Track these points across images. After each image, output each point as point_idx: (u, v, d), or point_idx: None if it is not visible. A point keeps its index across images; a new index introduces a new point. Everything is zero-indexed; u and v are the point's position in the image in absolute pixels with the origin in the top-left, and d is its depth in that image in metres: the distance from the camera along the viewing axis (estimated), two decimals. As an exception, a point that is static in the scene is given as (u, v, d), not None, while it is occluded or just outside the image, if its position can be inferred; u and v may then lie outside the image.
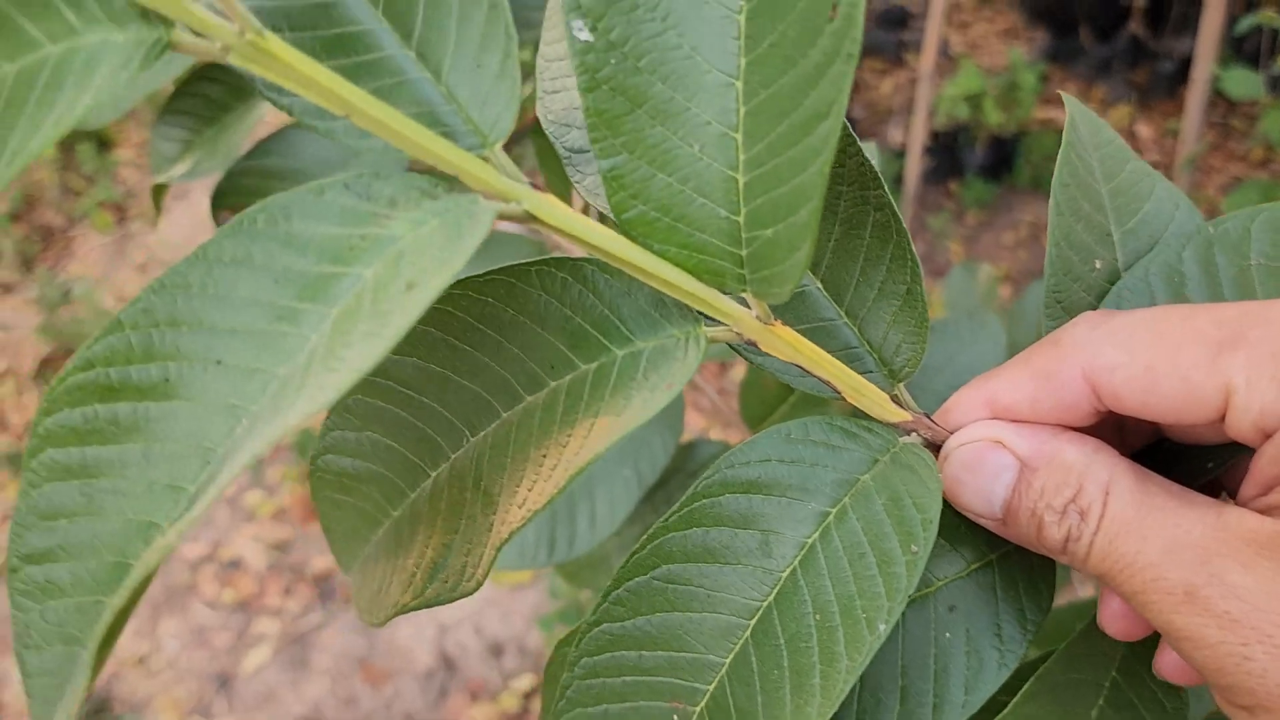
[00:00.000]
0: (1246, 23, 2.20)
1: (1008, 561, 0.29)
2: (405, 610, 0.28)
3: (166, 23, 0.19)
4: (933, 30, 1.96)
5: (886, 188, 0.26)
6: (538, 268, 0.24)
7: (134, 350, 0.21)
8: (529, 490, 0.25)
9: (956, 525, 0.29)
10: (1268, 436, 0.24)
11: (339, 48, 0.22)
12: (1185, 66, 2.82)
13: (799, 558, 0.26)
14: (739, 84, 0.22)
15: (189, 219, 3.14)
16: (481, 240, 0.19)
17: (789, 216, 0.22)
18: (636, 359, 0.24)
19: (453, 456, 0.27)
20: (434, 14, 0.21)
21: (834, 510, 0.26)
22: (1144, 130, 2.91)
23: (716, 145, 0.22)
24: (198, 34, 0.19)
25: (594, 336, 0.25)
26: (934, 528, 0.25)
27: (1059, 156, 0.30)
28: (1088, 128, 0.33)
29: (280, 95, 0.21)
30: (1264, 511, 0.24)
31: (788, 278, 0.22)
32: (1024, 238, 2.60)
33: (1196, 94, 2.16)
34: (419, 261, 0.19)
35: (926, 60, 2.00)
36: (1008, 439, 0.27)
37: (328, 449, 0.28)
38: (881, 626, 0.25)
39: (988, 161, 2.58)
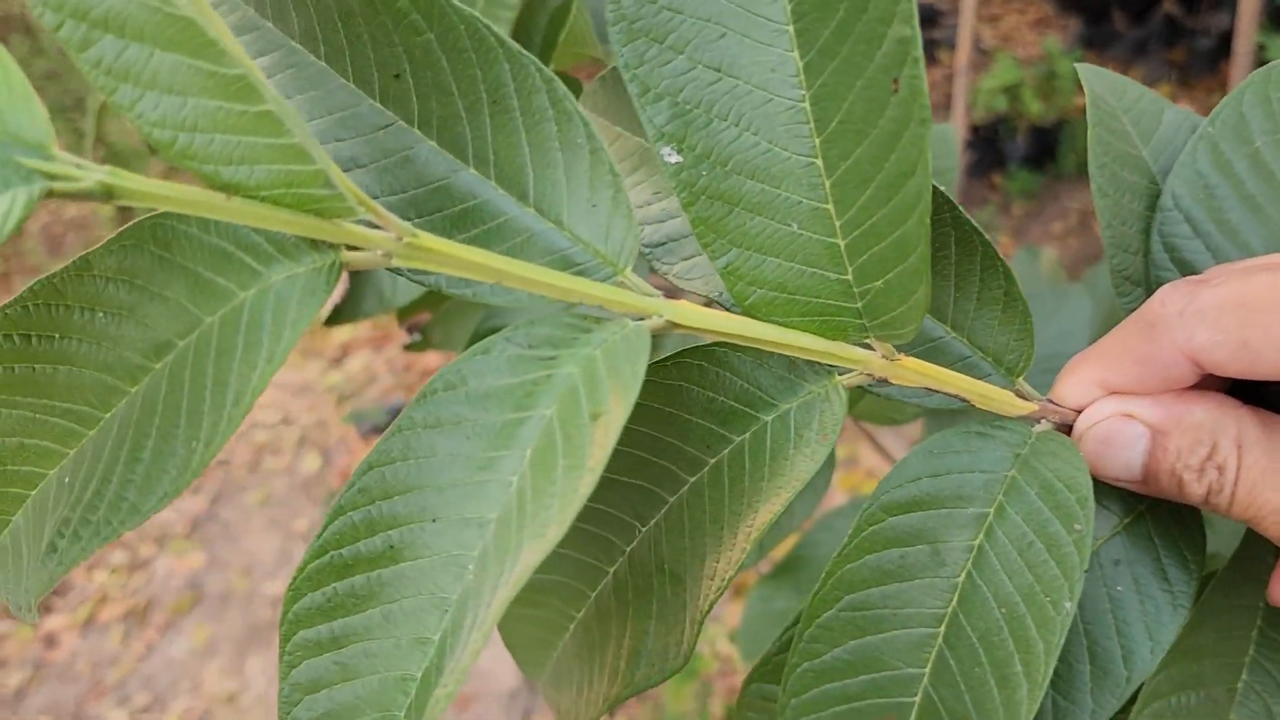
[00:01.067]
0: None
1: (1157, 510, 0.31)
2: (619, 701, 0.30)
3: (334, 246, 0.22)
4: (966, 25, 1.99)
5: (960, 206, 0.28)
6: (674, 361, 0.27)
7: (358, 528, 0.24)
8: (716, 562, 0.27)
9: (1099, 486, 0.31)
10: None
11: (465, 221, 0.24)
12: (1224, 41, 2.84)
13: (970, 560, 0.28)
14: (819, 161, 0.24)
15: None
16: (647, 359, 0.22)
17: (897, 266, 0.24)
18: (785, 420, 0.27)
19: (628, 549, 0.30)
20: (543, 173, 0.24)
21: (992, 510, 0.28)
22: (1187, 107, 2.97)
23: (812, 219, 0.25)
24: (361, 249, 0.22)
25: (740, 409, 0.27)
26: (1091, 505, 0.27)
27: (1089, 136, 0.32)
28: (1112, 95, 0.34)
29: (424, 275, 0.24)
30: None
31: (909, 319, 0.25)
32: (1073, 225, 2.60)
33: (1240, 67, 2.16)
34: (596, 393, 0.22)
35: (961, 55, 2.02)
36: (1136, 410, 0.29)
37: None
38: (1067, 605, 0.27)
39: (1030, 152, 2.61)
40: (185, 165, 0.21)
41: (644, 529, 0.29)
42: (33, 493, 0.24)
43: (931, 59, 3.13)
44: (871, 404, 0.44)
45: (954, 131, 0.51)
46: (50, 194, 0.19)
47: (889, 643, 0.28)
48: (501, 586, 0.21)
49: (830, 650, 0.29)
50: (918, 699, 0.28)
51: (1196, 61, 2.95)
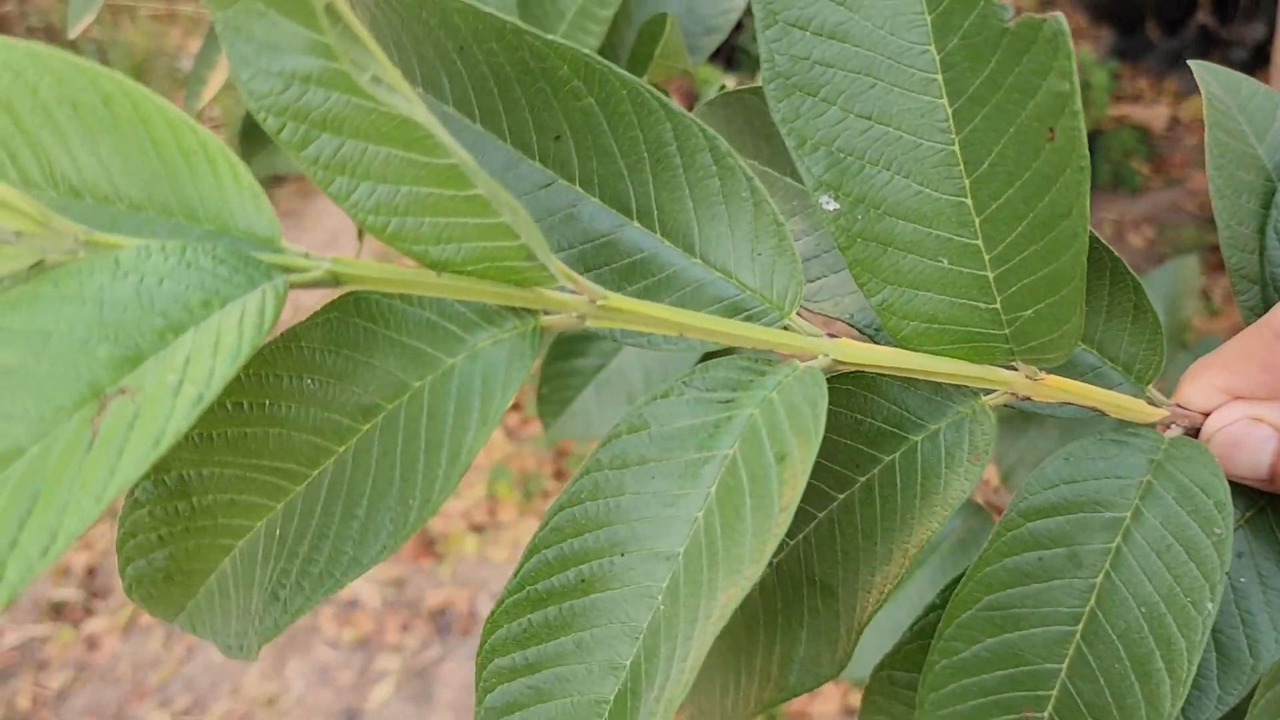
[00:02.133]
0: None
1: (1277, 503, 0.33)
2: (773, 704, 0.32)
3: (534, 312, 0.23)
4: None
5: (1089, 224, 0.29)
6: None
7: (551, 564, 0.25)
8: (872, 576, 0.29)
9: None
10: None
11: (634, 274, 0.26)
12: (1260, 52, 2.85)
13: (1108, 562, 0.30)
14: (969, 200, 0.26)
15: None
16: (826, 403, 0.23)
17: (1049, 298, 0.25)
18: (935, 440, 0.28)
19: (774, 561, 0.31)
20: (708, 226, 0.26)
21: (1129, 514, 0.30)
22: None
23: (962, 253, 0.26)
24: (558, 312, 0.23)
25: (888, 430, 0.29)
26: (1229, 509, 0.28)
27: (1206, 138, 0.33)
28: (1228, 93, 0.35)
29: (608, 329, 0.25)
30: None
31: (1059, 345, 0.26)
32: (1109, 236, 2.60)
33: (1278, 78, 2.14)
34: (778, 434, 0.24)
35: None
36: (1264, 414, 0.30)
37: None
38: (1209, 605, 0.28)
39: None
40: (397, 246, 0.22)
41: (791, 542, 0.31)
42: (240, 543, 0.26)
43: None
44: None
45: None
46: (291, 284, 0.21)
47: (1027, 639, 0.30)
48: (702, 620, 0.23)
49: (970, 647, 0.30)
50: (1055, 691, 0.30)
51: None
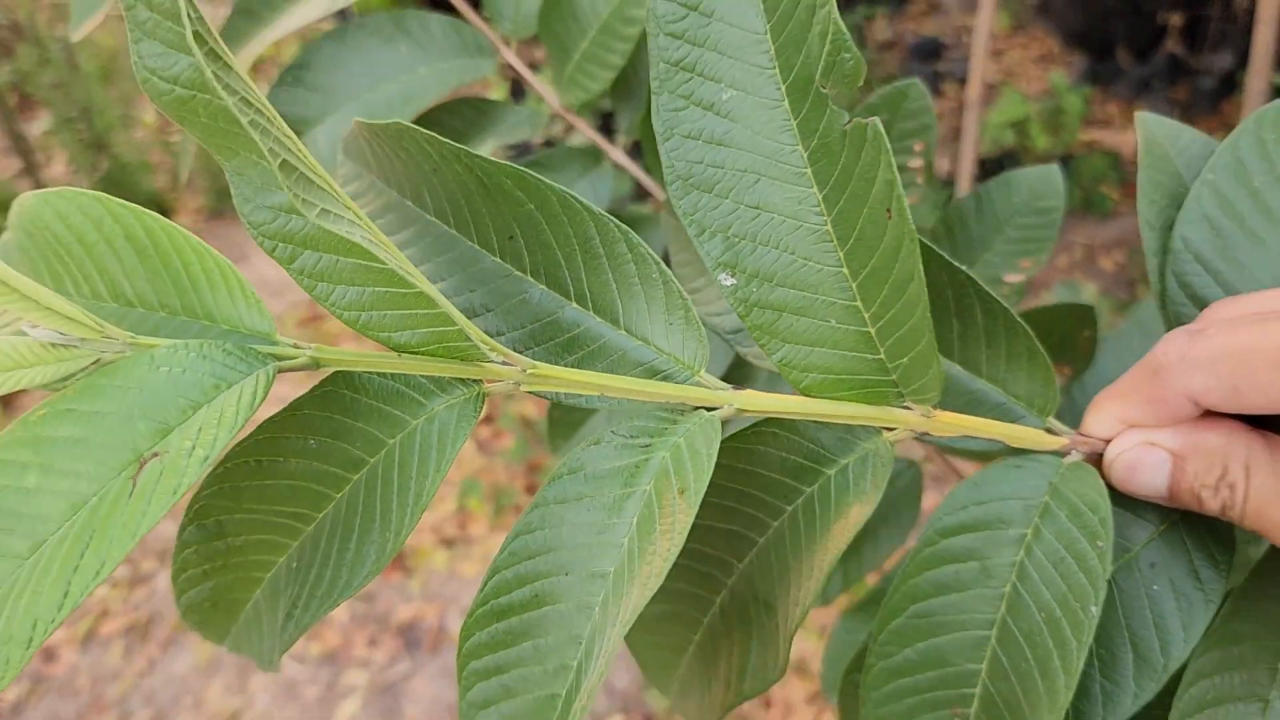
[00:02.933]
0: None
1: (1189, 519, 0.36)
2: (732, 707, 0.37)
3: (478, 381, 0.29)
4: (978, 58, 2.01)
5: (981, 284, 0.34)
6: (754, 429, 0.34)
7: (510, 582, 0.31)
8: (798, 591, 0.34)
9: (1137, 500, 0.36)
10: None
11: (574, 345, 0.32)
12: (1227, 82, 2.96)
13: (1014, 574, 0.34)
14: (845, 269, 0.31)
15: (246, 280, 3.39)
16: (718, 445, 0.29)
17: (914, 348, 0.30)
18: (844, 473, 0.33)
19: (729, 583, 0.36)
20: (629, 303, 0.31)
21: (1029, 531, 0.34)
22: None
23: (845, 314, 0.31)
24: (498, 380, 0.30)
25: (808, 466, 0.34)
26: (1110, 522, 0.33)
27: (1139, 177, 0.37)
28: (1167, 139, 0.39)
29: (543, 391, 0.31)
30: None
31: (930, 388, 0.31)
32: (1079, 260, 2.58)
33: (1253, 107, 2.17)
34: (681, 471, 0.29)
35: (973, 89, 2.03)
36: (1158, 439, 0.34)
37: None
38: (1093, 609, 0.32)
39: None
40: (367, 335, 0.29)
41: (740, 565, 0.36)
42: (268, 575, 0.33)
43: (936, 92, 3.16)
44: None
45: (1059, 172, 0.55)
46: (280, 369, 0.27)
47: (952, 643, 0.34)
48: (617, 625, 0.28)
49: (901, 650, 0.35)
50: (977, 690, 0.34)
51: (1199, 100, 3.00)
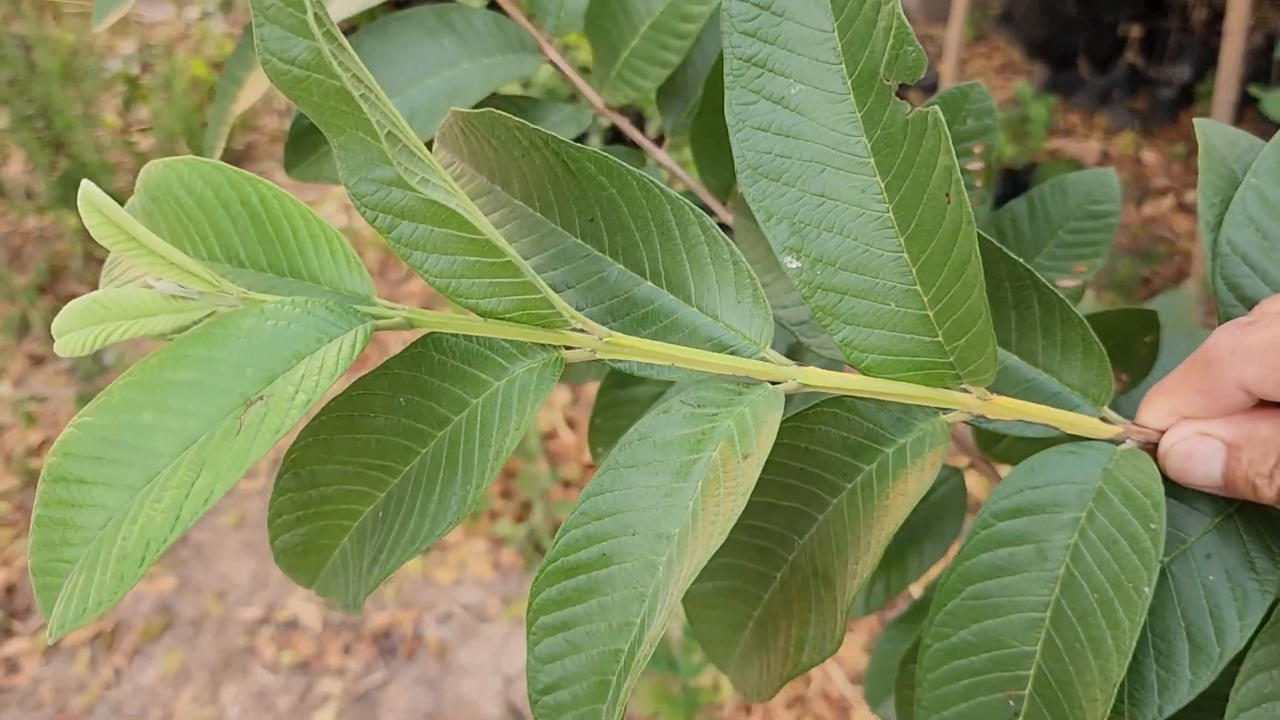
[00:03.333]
0: None
1: (1245, 510, 0.37)
2: (789, 679, 0.38)
3: (557, 347, 0.31)
4: (949, 66, 2.02)
5: (1039, 275, 0.35)
6: (815, 410, 0.35)
7: (579, 541, 0.33)
8: (855, 564, 0.35)
9: (1193, 491, 0.37)
10: None
11: (648, 320, 0.34)
12: (1185, 93, 3.04)
13: (1068, 556, 0.35)
14: (905, 255, 0.32)
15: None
16: (779, 416, 0.30)
17: (971, 329, 0.32)
18: (902, 452, 0.35)
19: (790, 558, 0.38)
20: (700, 282, 0.33)
21: (1083, 515, 0.35)
22: (1149, 156, 2.97)
23: (905, 298, 0.33)
24: (575, 347, 0.31)
25: (867, 445, 0.35)
26: (1163, 505, 0.33)
27: (1200, 182, 0.38)
28: (1224, 144, 0.39)
29: (621, 363, 0.33)
30: None
31: (986, 368, 0.32)
32: None
33: (1221, 117, 2.20)
34: (746, 439, 0.31)
35: None
36: (1212, 429, 0.35)
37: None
38: (1146, 590, 0.33)
39: (1003, 193, 2.69)
40: (458, 301, 0.31)
41: (800, 541, 0.37)
42: (355, 524, 0.35)
43: (902, 99, 3.20)
44: (1011, 445, 0.51)
45: (1114, 176, 0.56)
46: (377, 328, 0.30)
47: (1007, 625, 0.35)
48: (679, 581, 0.30)
49: (957, 632, 0.36)
50: (1031, 672, 0.35)
51: (1158, 111, 3.04)
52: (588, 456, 2.36)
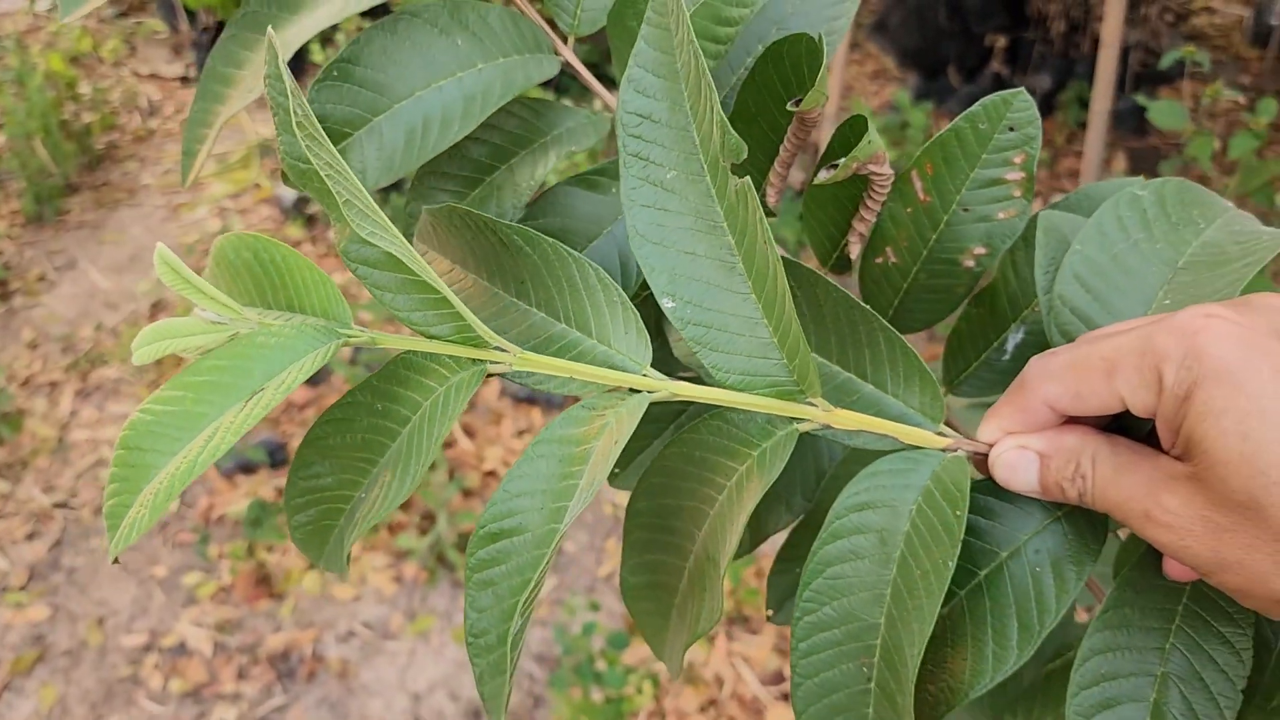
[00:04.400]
0: (1170, 57, 2.44)
1: (1070, 516, 0.44)
2: (689, 645, 0.46)
3: (482, 361, 0.42)
4: (836, 73, 2.06)
5: (883, 320, 0.44)
6: (701, 422, 0.44)
7: (502, 513, 0.42)
8: (728, 545, 0.43)
9: (1024, 497, 0.43)
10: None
11: (562, 351, 0.44)
12: (1047, 101, 3.22)
13: (904, 541, 0.42)
14: (752, 295, 0.42)
15: (76, 291, 3.07)
16: (642, 413, 0.39)
17: (799, 352, 0.41)
18: (764, 455, 0.43)
19: (693, 550, 0.46)
20: (598, 318, 0.43)
21: (914, 508, 0.42)
22: None
23: (755, 328, 0.42)
24: (497, 362, 0.42)
25: (738, 448, 0.44)
26: (967, 497, 0.41)
27: (1036, 255, 0.46)
28: (1065, 225, 0.48)
29: (529, 376, 0.43)
30: (1176, 458, 0.38)
31: (814, 384, 0.41)
32: None
33: (1096, 128, 2.22)
34: (621, 430, 0.40)
35: (830, 102, 2.07)
36: (1029, 442, 0.42)
37: (628, 574, 0.48)
38: (951, 563, 0.40)
39: None
40: (413, 327, 0.41)
41: (699, 534, 0.46)
42: (347, 507, 0.45)
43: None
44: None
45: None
46: (346, 344, 0.40)
47: (859, 602, 0.43)
48: (563, 536, 0.39)
49: (820, 608, 0.43)
50: (878, 641, 0.42)
51: None
52: (487, 464, 2.41)
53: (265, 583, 2.14)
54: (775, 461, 0.43)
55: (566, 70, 0.51)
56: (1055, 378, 0.41)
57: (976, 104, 0.45)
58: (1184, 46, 2.59)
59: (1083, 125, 2.93)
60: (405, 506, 2.27)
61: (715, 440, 0.44)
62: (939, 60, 3.41)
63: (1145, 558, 0.44)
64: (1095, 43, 3.08)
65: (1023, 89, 0.45)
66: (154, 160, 3.78)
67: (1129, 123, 3.16)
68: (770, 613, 0.59)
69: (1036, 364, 0.42)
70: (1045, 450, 0.42)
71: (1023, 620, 0.43)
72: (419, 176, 0.54)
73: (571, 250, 0.43)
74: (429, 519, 2.27)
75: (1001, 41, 3.30)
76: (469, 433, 2.50)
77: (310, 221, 3.32)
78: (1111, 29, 2.15)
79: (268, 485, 2.42)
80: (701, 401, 0.43)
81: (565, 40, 0.52)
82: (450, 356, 0.42)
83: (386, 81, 0.49)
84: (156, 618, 2.07)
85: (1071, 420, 0.42)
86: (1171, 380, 0.36)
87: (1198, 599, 0.44)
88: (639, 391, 0.42)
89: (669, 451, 0.46)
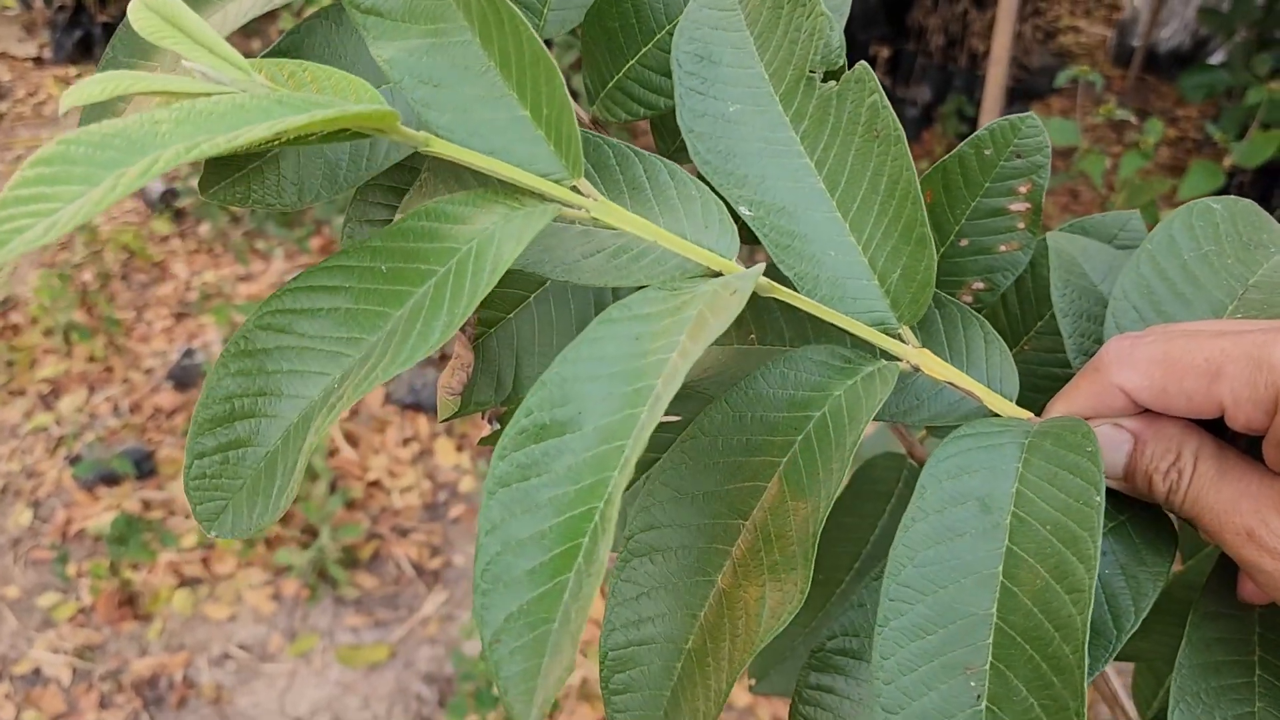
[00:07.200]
0: (1065, 75, 2.46)
1: (1135, 518, 0.37)
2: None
3: (553, 200, 0.31)
4: None
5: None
6: (755, 374, 0.35)
7: (553, 399, 0.29)
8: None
9: None
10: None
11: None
12: (926, 113, 3.21)
13: (1013, 502, 0.33)
14: (837, 213, 0.35)
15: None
16: (745, 300, 0.30)
17: (905, 251, 0.34)
18: (853, 390, 0.34)
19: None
20: (670, 216, 0.35)
21: (1020, 463, 0.34)
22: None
23: (846, 247, 0.35)
24: (571, 205, 0.32)
25: (813, 396, 0.34)
26: (1094, 436, 0.33)
27: (1052, 278, 0.42)
28: (1075, 249, 0.45)
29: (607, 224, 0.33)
30: None
31: (921, 296, 0.34)
32: None
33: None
34: (711, 308, 0.30)
35: None
36: (1124, 421, 0.36)
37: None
38: (1097, 498, 0.32)
39: None
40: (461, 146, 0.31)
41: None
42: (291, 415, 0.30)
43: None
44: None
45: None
46: (385, 131, 0.29)
47: (959, 593, 0.32)
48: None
49: (912, 607, 0.32)
50: (990, 640, 0.31)
51: (906, 128, 3.30)
52: (371, 474, 2.20)
53: (130, 603, 1.94)
54: (867, 401, 0.34)
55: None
56: (1138, 368, 0.36)
57: (983, 128, 0.43)
58: (1068, 64, 2.61)
59: (961, 137, 2.82)
60: (284, 519, 1.98)
61: (776, 392, 0.35)
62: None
63: (1216, 583, 0.37)
64: (973, 57, 3.14)
65: (1033, 114, 0.42)
66: (4, 146, 3.37)
67: (1007, 139, 3.17)
68: (753, 682, 0.44)
69: (1116, 347, 0.37)
70: (1142, 431, 0.36)
71: (1093, 625, 0.34)
72: (359, 192, 0.44)
73: (637, 150, 0.36)
74: (310, 533, 2.05)
75: (885, 52, 3.26)
76: (351, 441, 2.27)
77: (179, 215, 3.01)
78: (1001, 44, 2.12)
79: (133, 498, 2.15)
80: (796, 304, 0.34)
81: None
82: (512, 189, 0.31)
83: (343, 56, 0.40)
84: (7, 643, 1.88)
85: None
86: None
87: (1268, 625, 0.37)
88: (721, 276, 0.33)
89: (704, 423, 0.35)
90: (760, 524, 0.34)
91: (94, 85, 0.28)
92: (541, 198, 0.32)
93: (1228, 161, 2.52)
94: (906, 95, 3.32)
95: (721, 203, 0.35)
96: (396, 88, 0.32)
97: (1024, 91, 3.30)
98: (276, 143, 0.28)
